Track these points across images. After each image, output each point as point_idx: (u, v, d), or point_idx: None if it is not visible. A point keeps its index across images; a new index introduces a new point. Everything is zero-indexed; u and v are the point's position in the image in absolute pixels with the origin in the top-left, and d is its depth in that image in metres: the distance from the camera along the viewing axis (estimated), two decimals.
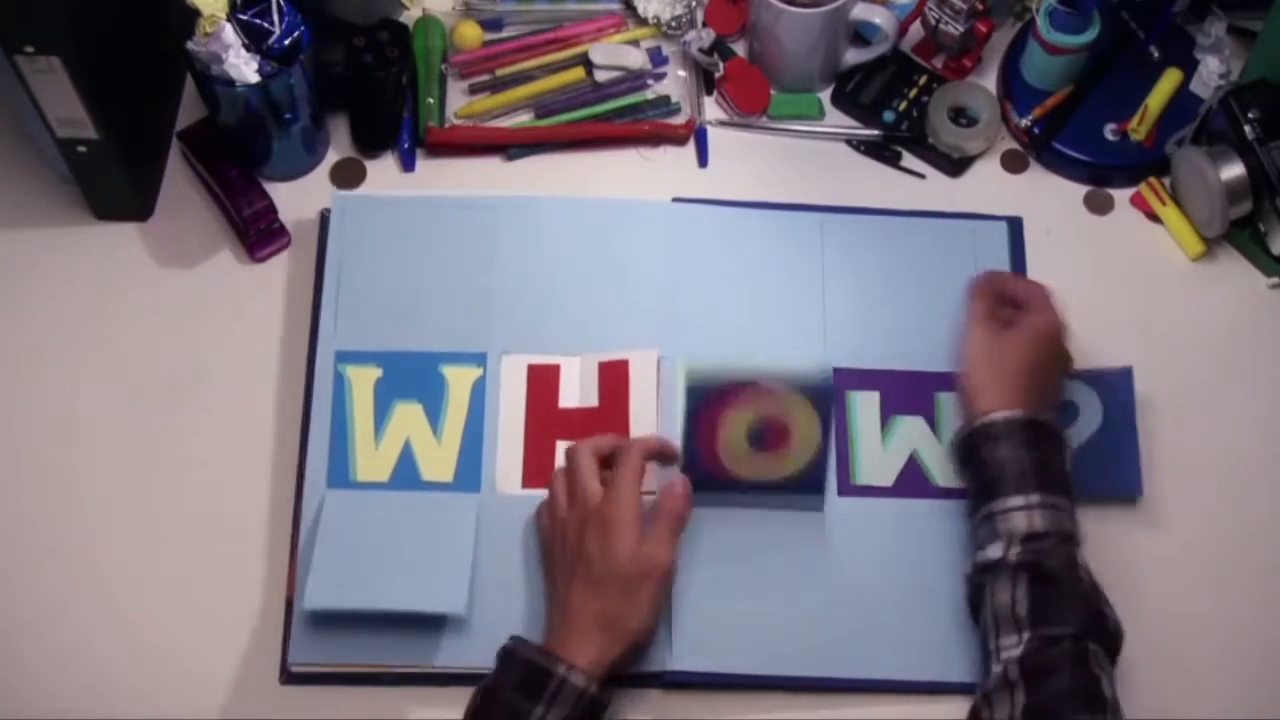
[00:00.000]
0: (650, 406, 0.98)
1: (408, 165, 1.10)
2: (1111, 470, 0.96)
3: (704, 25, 1.14)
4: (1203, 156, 1.04)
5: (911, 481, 0.98)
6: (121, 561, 0.95)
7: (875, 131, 1.13)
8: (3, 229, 1.07)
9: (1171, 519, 0.98)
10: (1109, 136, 1.11)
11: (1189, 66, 1.12)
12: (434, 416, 0.98)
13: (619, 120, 1.12)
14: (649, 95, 1.14)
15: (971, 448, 0.93)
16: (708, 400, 0.90)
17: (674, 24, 1.15)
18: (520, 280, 1.03)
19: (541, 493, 0.95)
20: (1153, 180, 1.09)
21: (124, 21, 1.01)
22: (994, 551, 0.88)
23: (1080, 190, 1.11)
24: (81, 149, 1.00)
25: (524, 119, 1.13)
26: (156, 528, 0.96)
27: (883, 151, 1.12)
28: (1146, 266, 1.08)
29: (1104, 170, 1.11)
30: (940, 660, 0.92)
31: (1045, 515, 0.88)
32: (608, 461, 0.92)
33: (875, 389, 1.01)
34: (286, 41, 1.00)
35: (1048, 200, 1.10)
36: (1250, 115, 1.03)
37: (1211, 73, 1.10)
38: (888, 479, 0.98)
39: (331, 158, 1.11)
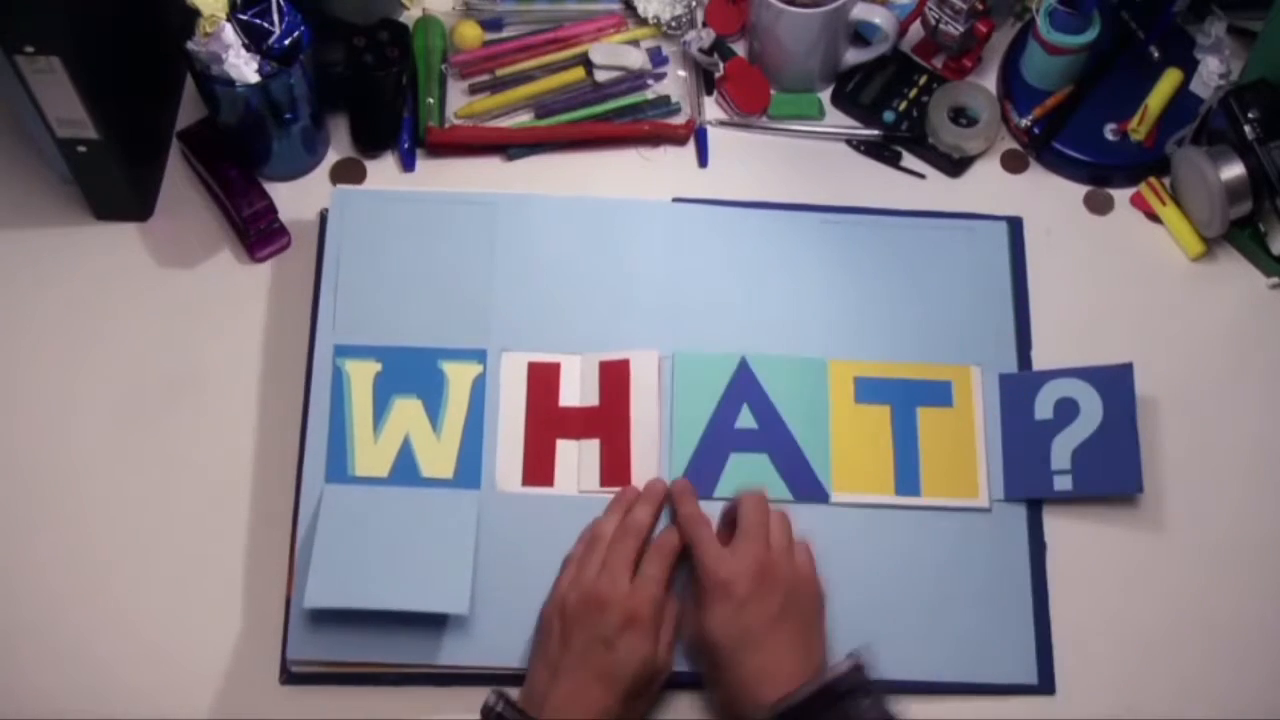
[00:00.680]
0: (650, 406, 0.98)
1: (408, 165, 1.10)
2: (1111, 467, 0.96)
3: (704, 25, 1.14)
4: (1203, 156, 1.04)
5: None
6: (121, 560, 0.95)
7: (875, 131, 1.13)
8: (3, 229, 1.07)
9: (1171, 518, 0.98)
10: (1109, 136, 1.11)
11: (1189, 66, 1.12)
12: (433, 412, 0.98)
13: (619, 120, 1.12)
14: (649, 95, 1.14)
15: None
16: None
17: (674, 24, 1.15)
18: (520, 278, 1.03)
19: (541, 491, 0.96)
20: (1153, 180, 1.09)
21: (124, 21, 1.01)
22: None
23: (1080, 190, 1.11)
24: (81, 149, 1.00)
25: (524, 119, 1.13)
26: (155, 526, 0.96)
27: (883, 151, 1.12)
28: (1146, 266, 1.08)
29: (1104, 170, 1.11)
30: (938, 661, 0.93)
31: None
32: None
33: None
34: (286, 41, 1.00)
35: (1048, 200, 1.10)
36: (1250, 115, 1.03)
37: (1211, 73, 1.10)
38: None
39: (331, 158, 1.11)
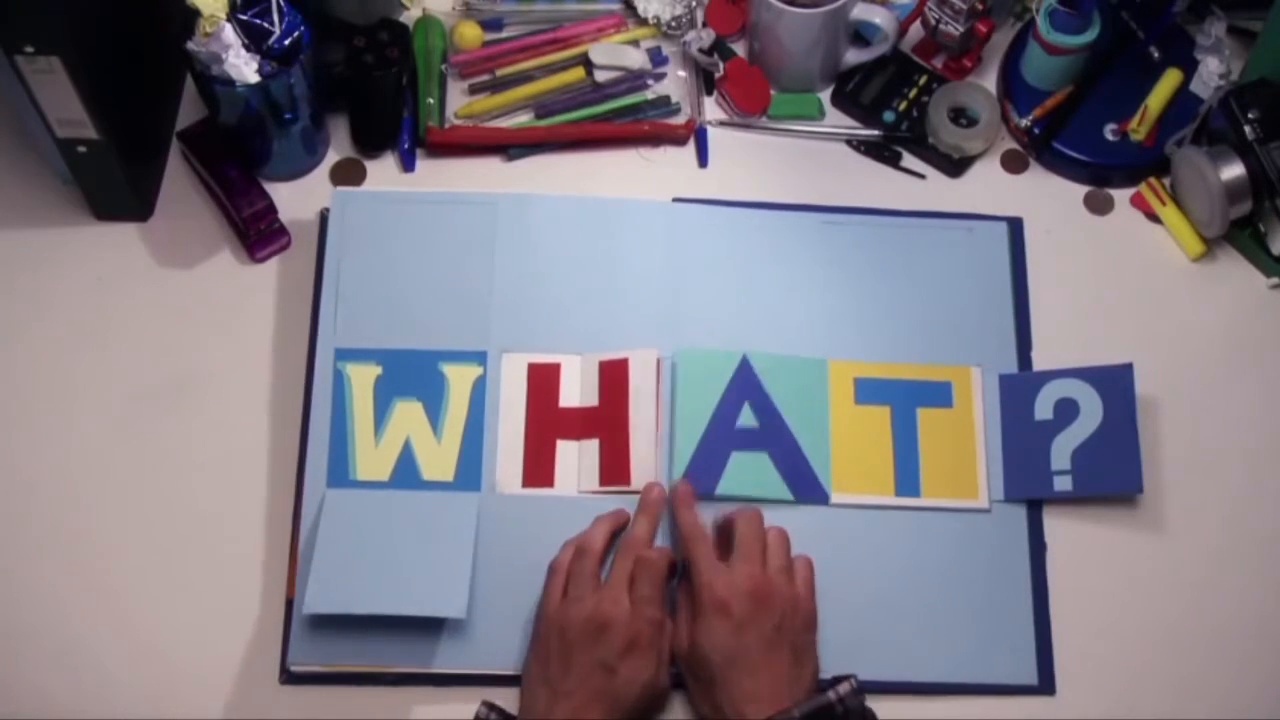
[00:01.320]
0: (650, 406, 0.98)
1: (408, 165, 1.10)
2: (1111, 467, 0.96)
3: (704, 25, 1.14)
4: (1203, 156, 1.04)
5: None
6: (121, 561, 0.95)
7: (875, 131, 1.13)
8: (3, 229, 1.07)
9: (1171, 518, 0.98)
10: (1109, 136, 1.11)
11: (1189, 66, 1.12)
12: (434, 415, 0.98)
13: (619, 120, 1.12)
14: (649, 95, 1.14)
15: None
16: None
17: (674, 24, 1.15)
18: (520, 279, 1.03)
19: (541, 492, 0.96)
20: (1153, 180, 1.09)
21: (124, 21, 1.01)
22: None
23: (1080, 190, 1.11)
24: (81, 149, 1.00)
25: (524, 119, 1.13)
26: (156, 527, 0.96)
27: (883, 151, 1.12)
28: (1146, 266, 1.08)
29: (1104, 170, 1.11)
30: (938, 661, 0.93)
31: None
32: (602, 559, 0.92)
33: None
34: (286, 41, 1.00)
35: (1048, 200, 1.10)
36: (1250, 115, 1.03)
37: (1211, 73, 1.10)
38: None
39: (331, 158, 1.11)
